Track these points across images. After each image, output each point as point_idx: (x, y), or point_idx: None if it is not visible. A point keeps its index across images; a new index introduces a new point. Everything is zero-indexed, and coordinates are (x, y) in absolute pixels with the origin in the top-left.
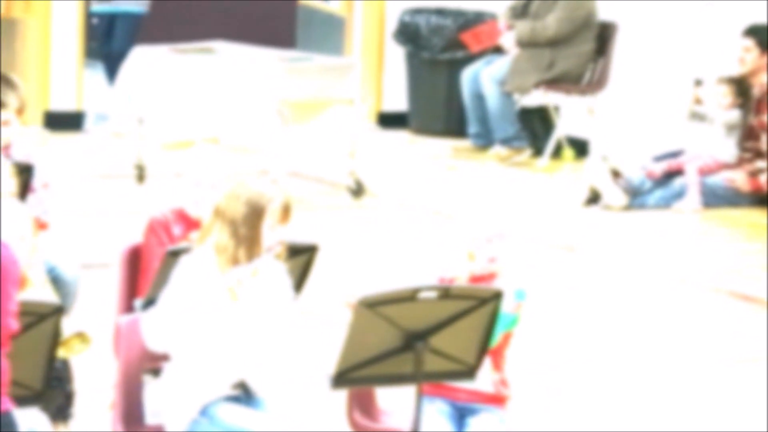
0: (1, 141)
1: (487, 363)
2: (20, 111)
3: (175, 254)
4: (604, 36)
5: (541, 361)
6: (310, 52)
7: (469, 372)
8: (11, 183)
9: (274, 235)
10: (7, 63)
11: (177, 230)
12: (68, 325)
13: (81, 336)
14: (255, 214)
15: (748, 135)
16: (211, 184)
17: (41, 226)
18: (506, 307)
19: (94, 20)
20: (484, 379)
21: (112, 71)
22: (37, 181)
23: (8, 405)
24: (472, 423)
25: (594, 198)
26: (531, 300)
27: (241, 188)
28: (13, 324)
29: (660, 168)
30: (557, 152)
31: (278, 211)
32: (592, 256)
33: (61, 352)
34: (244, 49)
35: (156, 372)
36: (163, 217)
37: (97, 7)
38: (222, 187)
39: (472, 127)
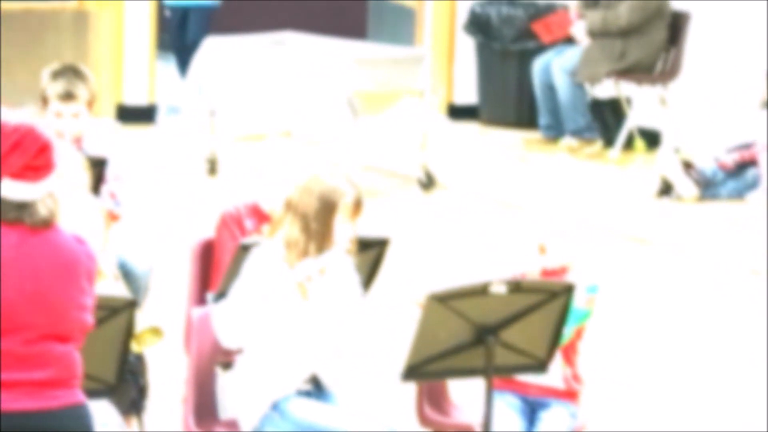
0: (72, 133)
1: (558, 357)
2: (91, 103)
3: (246, 248)
4: (676, 25)
5: (613, 356)
6: (381, 43)
7: (540, 366)
8: (84, 176)
9: (344, 229)
10: (79, 56)
11: (249, 224)
12: (141, 319)
13: (154, 329)
14: (327, 209)
15: None
16: (283, 177)
17: (113, 218)
18: (578, 301)
19: (167, 12)
20: (555, 374)
21: (184, 64)
22: (109, 174)
23: (81, 398)
24: (544, 417)
25: (666, 189)
26: (603, 293)
27: (314, 182)
28: (89, 319)
29: (732, 159)
30: (629, 143)
31: (350, 207)
32: (664, 248)
33: (134, 346)
34: (315, 40)
35: (228, 366)
36: (235, 211)
37: (169, 0)
38: (294, 181)
39: (543, 119)
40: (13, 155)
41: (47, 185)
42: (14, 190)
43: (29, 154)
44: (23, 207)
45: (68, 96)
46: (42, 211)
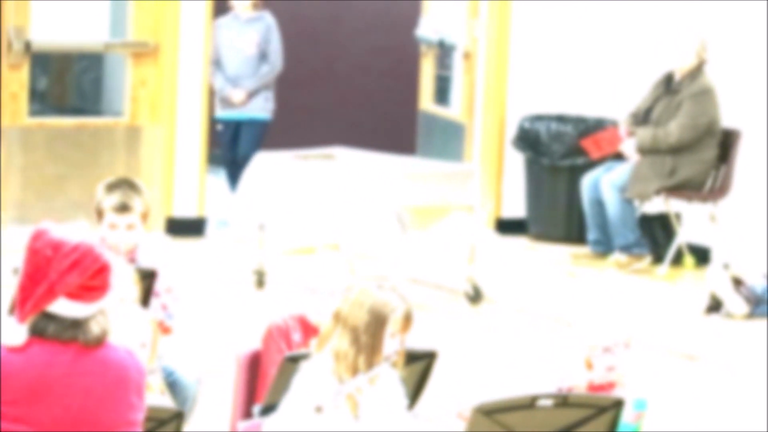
0: (126, 245)
1: None
2: (145, 216)
3: (293, 360)
4: (726, 143)
5: None
6: (430, 158)
7: None
8: (134, 289)
9: (394, 343)
10: (131, 170)
11: (297, 337)
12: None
13: None
14: (377, 323)
15: None
16: (332, 290)
17: (165, 330)
18: (626, 416)
19: (219, 127)
20: None
21: (234, 177)
22: (160, 286)
23: None
24: None
25: (715, 306)
26: (651, 410)
27: (364, 296)
28: (131, 429)
29: None
30: (678, 259)
31: (400, 321)
32: (713, 365)
33: None
34: (364, 155)
35: None
36: (282, 323)
37: (222, 114)
38: (342, 294)
39: (592, 234)
40: (71, 274)
41: (98, 306)
42: (69, 309)
43: (87, 275)
44: (77, 325)
45: (123, 208)
46: (95, 329)
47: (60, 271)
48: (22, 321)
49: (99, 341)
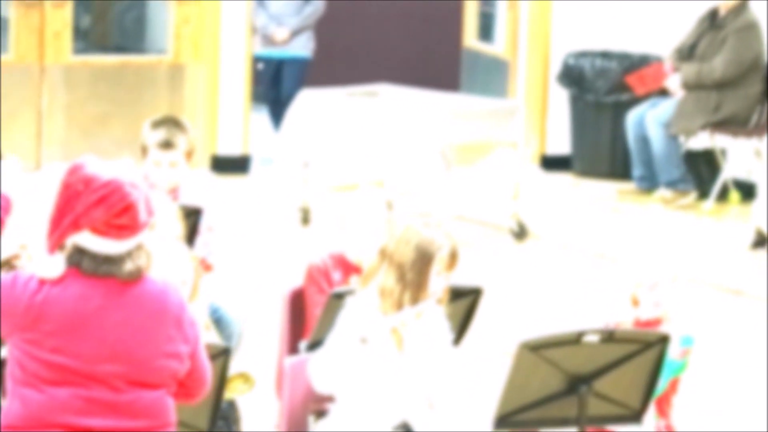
0: (169, 182)
1: (652, 409)
2: (189, 154)
3: (339, 296)
4: None
5: (709, 408)
6: (474, 95)
7: (634, 417)
8: (178, 226)
9: (439, 281)
10: (175, 108)
11: (336, 276)
12: (231, 366)
13: (244, 376)
14: (424, 260)
15: None
16: (376, 227)
17: (207, 267)
18: (672, 352)
19: (260, 65)
20: (649, 426)
21: (277, 115)
22: (203, 224)
23: None
24: None
25: (761, 241)
26: (698, 345)
27: (411, 233)
28: (180, 366)
29: None
30: (723, 195)
31: (446, 259)
32: (759, 299)
33: (224, 393)
34: (408, 92)
35: (320, 414)
36: (321, 263)
37: (263, 52)
38: (390, 230)
39: (637, 170)
40: (96, 210)
41: (133, 243)
42: (97, 244)
43: (112, 212)
44: (111, 261)
45: (167, 145)
46: (130, 266)
47: (86, 205)
48: (51, 251)
49: (134, 277)
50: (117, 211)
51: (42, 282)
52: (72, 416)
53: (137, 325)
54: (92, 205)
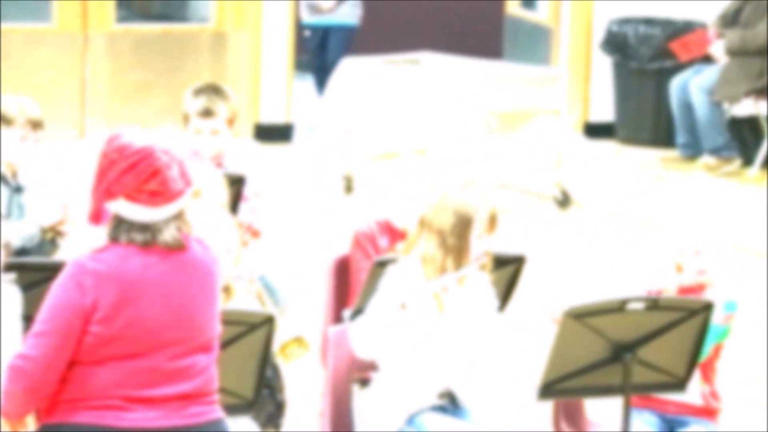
0: (211, 150)
1: (696, 375)
2: (231, 121)
3: (382, 264)
4: None
5: (752, 374)
6: (517, 62)
7: (679, 384)
8: (223, 194)
9: (480, 245)
10: (218, 76)
11: (383, 242)
12: (284, 331)
13: (299, 340)
14: (463, 224)
15: None
16: (418, 195)
17: (254, 233)
18: (716, 318)
19: (306, 33)
20: (694, 392)
21: (321, 83)
22: (249, 190)
23: (221, 413)
24: None
25: None
26: (742, 311)
27: (448, 199)
28: (217, 327)
29: None
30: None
31: (485, 221)
32: None
33: (280, 358)
34: (451, 60)
35: (364, 382)
36: (368, 229)
37: (309, 20)
38: (428, 198)
39: (681, 137)
40: (127, 176)
41: (169, 211)
42: (133, 212)
43: (142, 177)
44: (147, 229)
45: (208, 113)
46: (167, 236)
47: (118, 172)
48: (91, 221)
49: (176, 245)
50: (146, 177)
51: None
52: (133, 389)
53: (195, 289)
54: (123, 171)
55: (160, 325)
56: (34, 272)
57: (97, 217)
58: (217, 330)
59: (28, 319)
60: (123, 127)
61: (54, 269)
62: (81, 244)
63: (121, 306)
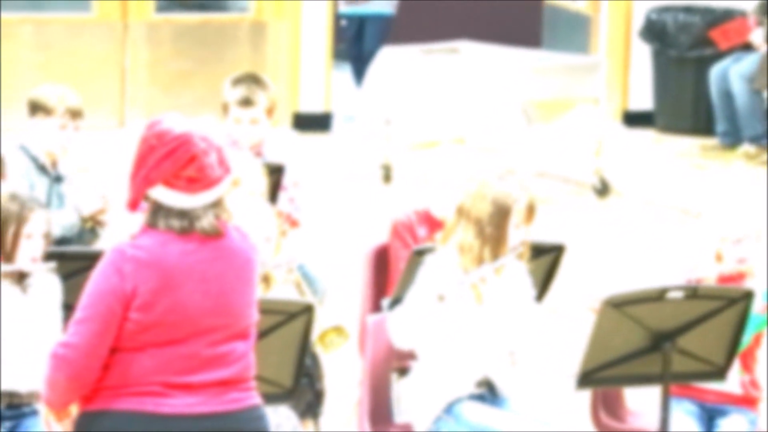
0: (250, 139)
1: (736, 364)
2: (270, 111)
3: (420, 254)
4: None
5: None
6: (556, 51)
7: (719, 373)
8: (262, 183)
9: (518, 234)
10: (256, 66)
11: (422, 231)
12: (323, 320)
13: (338, 329)
14: (501, 214)
15: None
16: (457, 184)
17: (293, 223)
18: (756, 307)
19: (343, 22)
20: (734, 381)
21: (360, 72)
22: (288, 180)
23: (258, 400)
24: (722, 425)
25: None
26: None
27: (486, 188)
28: (256, 314)
29: None
30: None
31: (523, 211)
32: None
33: (319, 348)
34: (489, 48)
35: (402, 371)
36: (407, 219)
37: (346, 10)
38: (466, 187)
39: (720, 125)
40: (165, 162)
41: (207, 198)
42: (171, 198)
43: (179, 164)
44: (185, 216)
45: (247, 102)
46: (205, 223)
47: (157, 158)
48: (130, 208)
49: (217, 231)
50: (183, 163)
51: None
52: (173, 375)
53: (233, 276)
54: (162, 158)
55: (198, 312)
56: (74, 261)
57: (135, 203)
58: (255, 317)
59: (68, 307)
60: (163, 114)
61: (93, 258)
62: (120, 231)
63: (160, 292)
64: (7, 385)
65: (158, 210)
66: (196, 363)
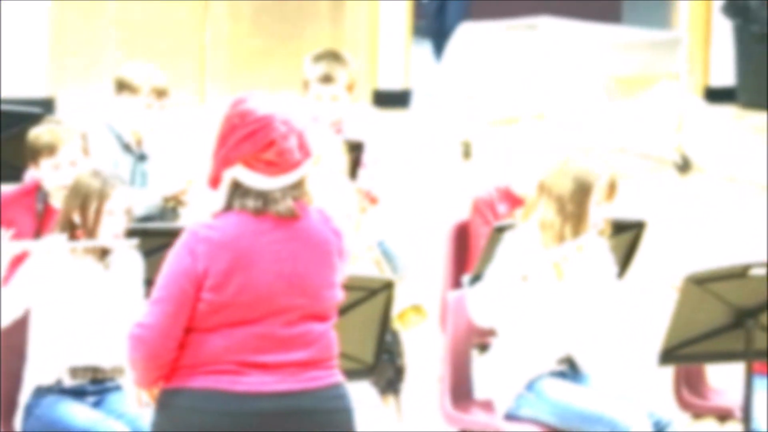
0: (331, 116)
1: None
2: (350, 87)
3: (500, 230)
4: None
5: None
6: (637, 26)
7: None
8: (342, 160)
9: (599, 211)
10: (336, 41)
11: (502, 208)
12: (402, 298)
13: (416, 308)
14: (582, 191)
15: None
16: (538, 161)
17: (372, 200)
18: None
19: None
20: None
21: (440, 49)
22: (367, 157)
23: (340, 378)
24: None
25: None
26: None
27: (568, 165)
28: (339, 295)
29: None
30: None
31: (605, 189)
32: None
33: (399, 326)
34: (569, 24)
35: (483, 348)
36: (487, 195)
37: None
38: (548, 164)
39: None
40: (245, 144)
41: (285, 181)
42: (250, 179)
43: (258, 147)
44: (261, 197)
45: (328, 79)
46: (281, 206)
47: (238, 138)
48: (211, 186)
49: (292, 214)
50: (262, 146)
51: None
52: (247, 354)
53: (308, 256)
54: (242, 139)
55: (272, 292)
56: (156, 237)
57: (216, 181)
58: (335, 299)
59: (149, 283)
60: (251, 92)
61: (175, 234)
62: (201, 209)
63: (232, 273)
64: (91, 360)
65: (236, 189)
66: (270, 343)
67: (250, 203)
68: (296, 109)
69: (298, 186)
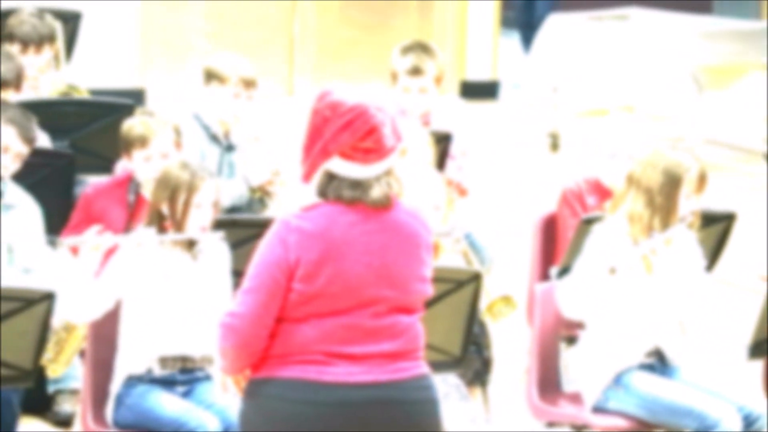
0: (419, 108)
1: None
2: (439, 79)
3: (589, 222)
4: None
5: None
6: (726, 16)
7: None
8: (429, 152)
9: (689, 204)
10: (423, 33)
11: (591, 200)
12: (492, 290)
13: (506, 299)
14: (672, 184)
15: None
16: (627, 152)
17: (461, 192)
18: None
19: None
20: None
21: (528, 40)
22: (455, 148)
23: (426, 369)
24: None
25: None
26: None
27: (657, 157)
28: (429, 290)
29: None
30: None
31: (695, 181)
32: None
33: (489, 318)
34: (659, 15)
35: (571, 340)
36: (576, 187)
37: None
38: (637, 156)
39: None
40: (343, 134)
41: (380, 168)
42: (346, 169)
43: (358, 135)
44: (357, 186)
45: (416, 71)
46: (376, 193)
47: (334, 130)
48: (305, 180)
49: (384, 203)
50: (362, 134)
51: (299, 225)
52: (335, 345)
53: (397, 249)
54: (339, 129)
55: (361, 284)
56: (244, 229)
57: (309, 176)
58: (423, 292)
59: (237, 274)
60: (331, 83)
61: (262, 226)
62: (291, 202)
63: (323, 264)
64: (180, 350)
65: (330, 180)
66: (358, 334)
67: (347, 193)
68: (381, 96)
69: (390, 172)
